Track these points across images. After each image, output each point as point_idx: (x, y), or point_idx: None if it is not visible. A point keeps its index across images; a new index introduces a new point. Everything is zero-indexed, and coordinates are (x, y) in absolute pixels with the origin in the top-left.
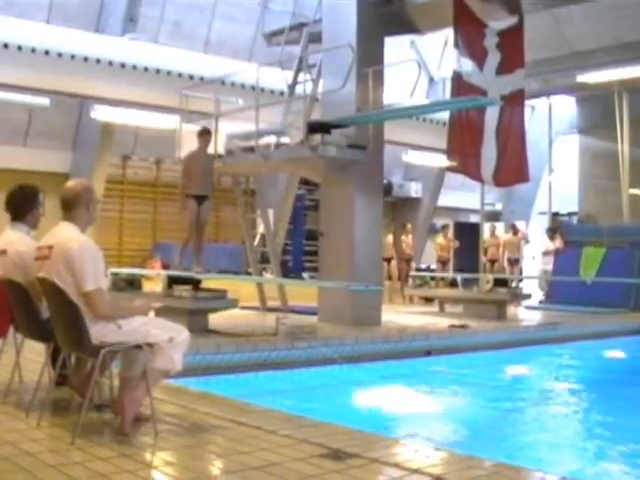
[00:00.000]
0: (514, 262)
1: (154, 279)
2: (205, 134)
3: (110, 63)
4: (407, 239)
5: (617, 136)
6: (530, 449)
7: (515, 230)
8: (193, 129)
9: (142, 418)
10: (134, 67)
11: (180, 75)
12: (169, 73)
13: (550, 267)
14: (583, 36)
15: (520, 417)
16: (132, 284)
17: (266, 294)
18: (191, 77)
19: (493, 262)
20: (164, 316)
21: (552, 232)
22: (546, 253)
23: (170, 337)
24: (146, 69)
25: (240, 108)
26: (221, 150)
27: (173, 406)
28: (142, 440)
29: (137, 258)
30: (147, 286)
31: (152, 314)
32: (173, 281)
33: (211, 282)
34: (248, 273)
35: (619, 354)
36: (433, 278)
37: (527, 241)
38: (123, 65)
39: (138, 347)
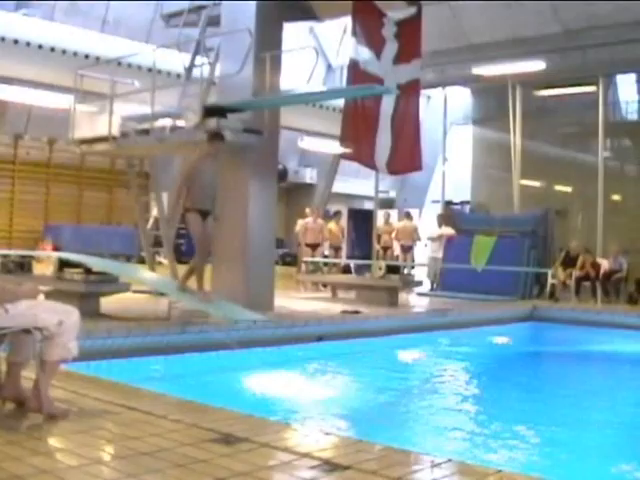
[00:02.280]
0: (407, 249)
1: (45, 261)
2: (215, 140)
3: (2, 39)
4: (338, 226)
5: (509, 128)
6: (419, 433)
7: (410, 217)
8: (87, 109)
9: (29, 404)
10: (28, 44)
11: (75, 54)
12: (64, 51)
13: (439, 254)
14: (479, 29)
15: (410, 402)
16: (22, 267)
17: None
18: (87, 56)
19: (386, 249)
20: (55, 300)
21: (441, 218)
22: (433, 239)
23: (59, 320)
24: (40, 46)
25: (136, 90)
26: (115, 132)
27: (63, 391)
28: (30, 426)
29: (28, 240)
30: (38, 269)
31: (42, 297)
32: (64, 264)
33: None
34: (141, 256)
35: (507, 340)
36: (326, 264)
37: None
38: (16, 41)
39: (27, 331)
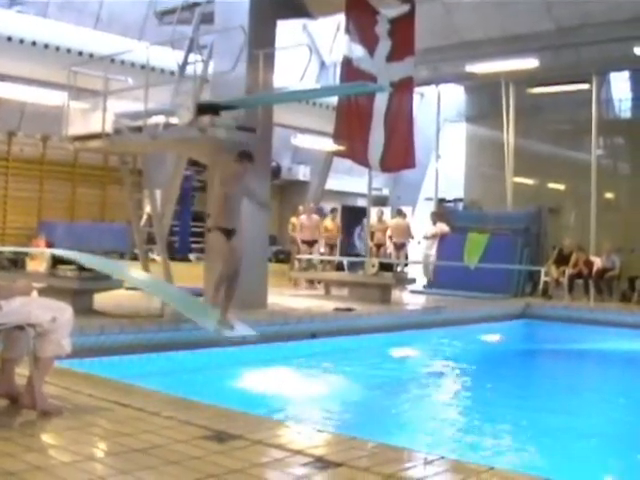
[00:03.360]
0: (400, 247)
1: (38, 258)
2: (245, 160)
3: None
4: (334, 223)
5: (503, 126)
6: (412, 430)
7: (403, 215)
8: (81, 106)
9: (22, 400)
10: (21, 41)
11: (69, 51)
12: (58, 48)
13: (432, 251)
14: (472, 27)
15: (403, 399)
16: (16, 263)
17: (153, 275)
18: (80, 53)
19: (379, 246)
20: (48, 296)
21: (435, 216)
22: (427, 237)
23: (53, 317)
24: (34, 43)
25: (129, 87)
26: (109, 129)
27: (56, 388)
28: (23, 422)
29: (21, 237)
30: (31, 265)
31: (35, 294)
32: (57, 260)
33: None
34: (134, 254)
35: (500, 338)
36: (321, 261)
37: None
38: (10, 38)
39: (20, 328)
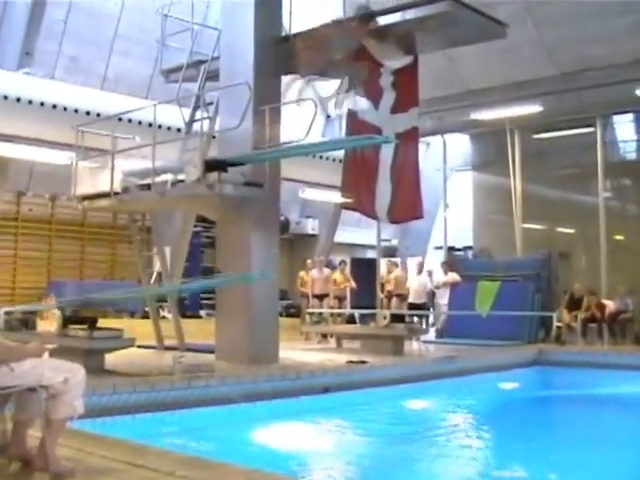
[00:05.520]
0: (403, 298)
1: (49, 318)
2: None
3: (5, 97)
4: (343, 276)
5: (509, 172)
6: None
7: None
8: (89, 165)
9: (35, 463)
10: (30, 102)
11: (76, 111)
12: (65, 109)
13: (444, 301)
14: (475, 75)
15: (418, 452)
16: (26, 324)
17: (163, 332)
18: (87, 113)
19: (390, 298)
20: (60, 357)
21: (446, 265)
22: (439, 287)
23: (65, 378)
24: (42, 104)
25: (137, 145)
26: (117, 188)
27: (68, 449)
28: None
29: (31, 297)
30: (42, 326)
31: (46, 355)
32: (68, 320)
33: (107, 321)
34: (145, 312)
35: (514, 385)
36: (331, 314)
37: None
38: (18, 99)
39: (32, 389)
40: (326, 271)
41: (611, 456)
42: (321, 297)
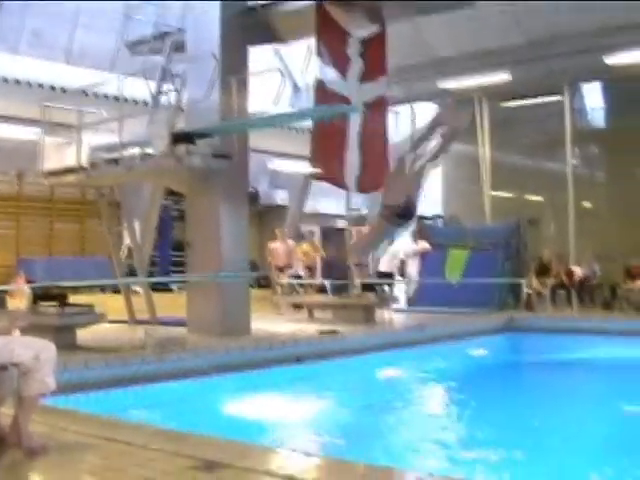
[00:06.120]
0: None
1: (18, 296)
2: None
3: None
4: (312, 246)
5: (478, 140)
6: (401, 450)
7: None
8: (55, 141)
9: (8, 439)
10: None
11: (41, 86)
12: (29, 84)
13: (414, 269)
14: (443, 43)
15: (390, 419)
16: None
17: (134, 307)
18: (52, 88)
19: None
20: (31, 334)
21: (416, 234)
22: (409, 255)
23: (36, 355)
24: (5, 80)
25: (103, 119)
26: (84, 163)
27: (42, 426)
28: (10, 462)
29: (1, 275)
30: (11, 304)
31: (17, 332)
32: (38, 297)
33: (78, 297)
34: (116, 286)
35: (485, 352)
36: (302, 285)
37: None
38: None
39: (3, 368)
40: (290, 243)
41: (581, 418)
42: (281, 269)
